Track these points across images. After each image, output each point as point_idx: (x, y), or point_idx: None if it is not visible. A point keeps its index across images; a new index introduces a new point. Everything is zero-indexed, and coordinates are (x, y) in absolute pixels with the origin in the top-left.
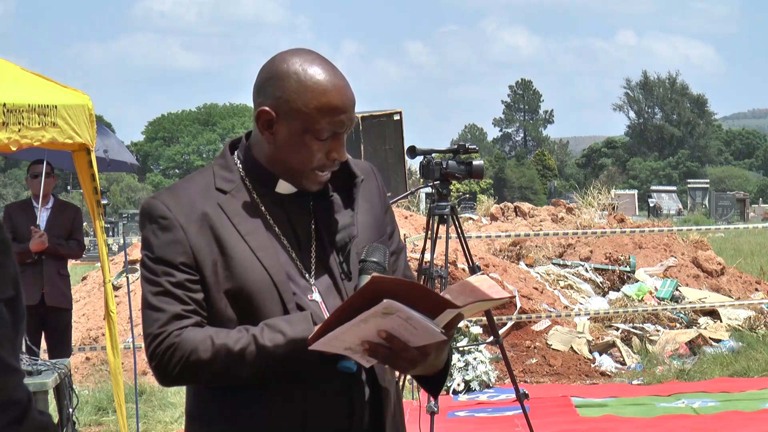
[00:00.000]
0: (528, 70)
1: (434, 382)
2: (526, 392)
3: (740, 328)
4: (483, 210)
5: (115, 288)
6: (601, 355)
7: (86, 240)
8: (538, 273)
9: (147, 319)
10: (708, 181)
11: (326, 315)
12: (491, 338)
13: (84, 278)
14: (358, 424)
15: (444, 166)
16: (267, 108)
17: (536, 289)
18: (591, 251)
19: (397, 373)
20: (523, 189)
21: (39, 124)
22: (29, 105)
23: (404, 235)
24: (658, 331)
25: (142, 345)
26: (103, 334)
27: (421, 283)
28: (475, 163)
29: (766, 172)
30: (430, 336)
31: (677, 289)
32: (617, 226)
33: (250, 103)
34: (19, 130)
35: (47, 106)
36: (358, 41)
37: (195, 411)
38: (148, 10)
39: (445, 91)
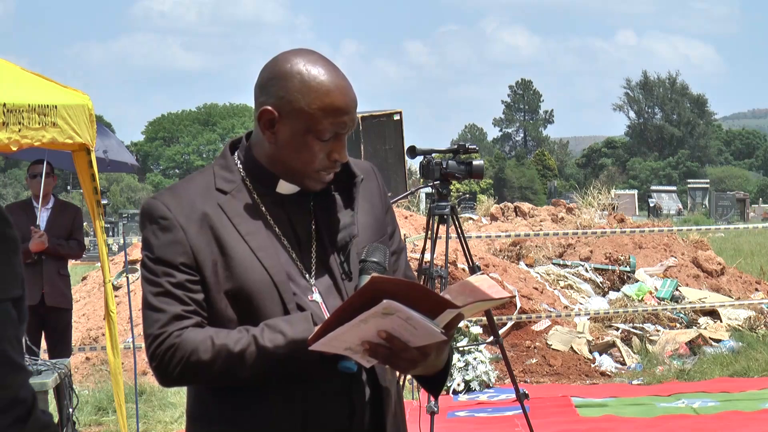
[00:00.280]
0: (528, 70)
1: (435, 382)
2: (526, 392)
3: (740, 328)
4: (483, 210)
5: (115, 288)
6: (601, 355)
7: (86, 240)
8: (538, 273)
9: (147, 320)
10: (708, 181)
11: (326, 315)
12: (491, 338)
13: (84, 278)
14: (358, 424)
15: (444, 166)
16: (269, 107)
17: (536, 289)
18: (591, 251)
19: (397, 373)
20: (523, 189)
21: (39, 124)
22: (29, 105)
23: (404, 235)
24: (658, 331)
25: (142, 345)
26: (103, 334)
27: (421, 283)
28: (475, 163)
29: (766, 172)
30: (430, 336)
31: (677, 289)
32: (617, 226)
33: (250, 103)
34: (19, 130)
35: (47, 106)
36: (358, 41)
37: (195, 411)
38: (147, 10)
39: (445, 91)
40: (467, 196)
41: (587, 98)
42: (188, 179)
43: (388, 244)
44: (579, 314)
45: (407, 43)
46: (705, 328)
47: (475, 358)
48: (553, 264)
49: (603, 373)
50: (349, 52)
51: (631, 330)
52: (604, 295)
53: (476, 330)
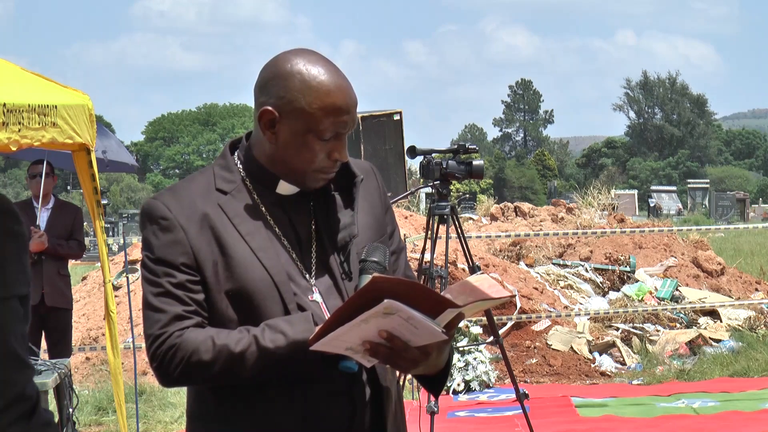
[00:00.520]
0: (528, 70)
1: (435, 382)
2: (526, 392)
3: (740, 328)
4: (483, 210)
5: (115, 288)
6: (601, 355)
7: (86, 240)
8: (538, 273)
9: (148, 320)
10: (708, 181)
11: (327, 315)
12: (491, 338)
13: (84, 278)
14: (359, 424)
15: (444, 166)
16: (270, 108)
17: (536, 289)
18: (591, 251)
19: (397, 373)
20: (523, 189)
21: (39, 124)
22: (29, 105)
23: (404, 235)
24: (658, 331)
25: (142, 345)
26: (103, 334)
27: (421, 283)
28: (475, 163)
29: (766, 172)
30: (431, 336)
31: (677, 289)
32: (617, 226)
33: (250, 103)
34: (19, 130)
35: (47, 106)
36: (358, 41)
37: (196, 411)
38: (147, 10)
39: (445, 91)
40: (467, 196)
41: (587, 98)
42: (188, 179)
43: (387, 244)
44: (579, 314)
45: (407, 43)
46: (705, 328)
47: (475, 358)
48: (553, 264)
49: (603, 373)
50: (348, 52)
51: (631, 330)
52: (604, 295)
53: (476, 330)
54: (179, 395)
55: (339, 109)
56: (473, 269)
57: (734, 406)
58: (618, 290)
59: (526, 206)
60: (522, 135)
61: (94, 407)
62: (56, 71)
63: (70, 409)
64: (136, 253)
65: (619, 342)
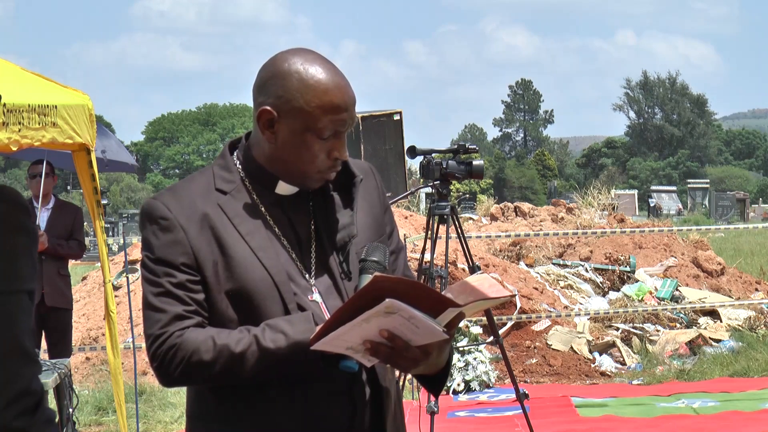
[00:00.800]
0: (528, 70)
1: (435, 382)
2: (526, 392)
3: (740, 328)
4: (483, 210)
5: (115, 288)
6: (601, 355)
7: (86, 240)
8: (538, 273)
9: (148, 320)
10: (708, 181)
11: (326, 315)
12: (491, 338)
13: (84, 278)
14: (359, 424)
15: (444, 166)
16: (268, 107)
17: (536, 289)
18: (591, 251)
19: (397, 373)
20: (523, 189)
21: (39, 124)
22: (29, 105)
23: (404, 235)
24: (658, 331)
25: (142, 345)
26: (103, 334)
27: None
28: (475, 163)
29: (766, 172)
30: (432, 335)
31: (677, 289)
32: (617, 226)
33: (250, 103)
34: (19, 130)
35: (47, 106)
36: (358, 41)
37: (196, 411)
38: (147, 10)
39: (445, 91)
40: (467, 196)
41: (587, 98)
42: (188, 179)
43: (386, 244)
44: (579, 314)
45: (407, 43)
46: (705, 328)
47: (475, 358)
48: (553, 264)
49: (603, 373)
50: (348, 52)
51: (631, 330)
52: (604, 295)
53: (476, 330)
54: (179, 395)
55: (337, 107)
56: (473, 269)
57: (734, 406)
58: (618, 290)
59: (526, 206)
60: (522, 135)
61: (94, 407)
62: (56, 71)
63: (70, 409)
64: (136, 253)
65: (619, 342)
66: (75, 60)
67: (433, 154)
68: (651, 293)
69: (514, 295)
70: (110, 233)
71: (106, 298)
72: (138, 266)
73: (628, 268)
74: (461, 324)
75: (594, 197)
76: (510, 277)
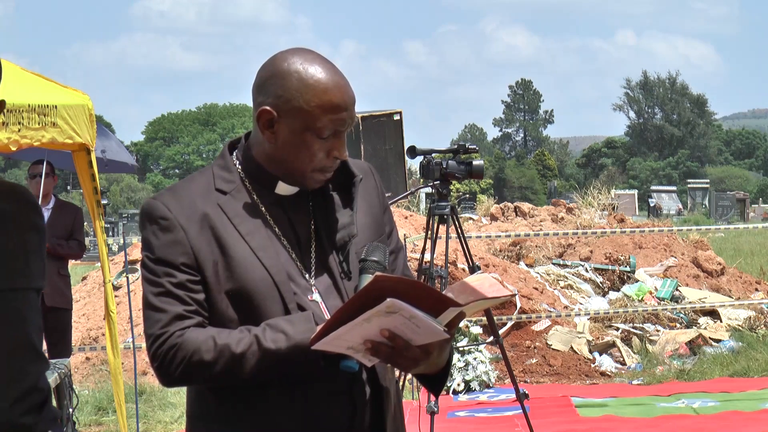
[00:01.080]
0: (528, 70)
1: (436, 381)
2: (526, 392)
3: (740, 328)
4: (483, 210)
5: (115, 288)
6: (601, 355)
7: (86, 240)
8: (538, 273)
9: (148, 320)
10: (708, 181)
11: (326, 315)
12: (491, 338)
13: (84, 278)
14: (359, 424)
15: (444, 166)
16: (268, 107)
17: (536, 289)
18: (591, 251)
19: (397, 373)
20: (523, 189)
21: (39, 124)
22: (29, 105)
23: (404, 235)
24: (658, 331)
25: (142, 345)
26: (103, 334)
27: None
28: (475, 163)
29: (766, 172)
30: (432, 334)
31: (677, 289)
32: (617, 226)
33: (250, 103)
34: (19, 130)
35: (47, 106)
36: (358, 41)
37: (196, 411)
38: (147, 10)
39: (445, 91)
40: (467, 196)
41: (587, 98)
42: (188, 180)
43: (386, 244)
44: (579, 314)
45: (407, 43)
46: (705, 328)
47: (475, 358)
48: (553, 264)
49: (603, 373)
50: (348, 52)
51: (631, 330)
52: (604, 295)
53: (476, 330)
54: (179, 395)
55: (337, 106)
56: (473, 269)
57: (734, 406)
58: (618, 290)
59: (526, 206)
60: (522, 135)
61: (94, 407)
62: (56, 71)
63: (70, 409)
64: (136, 253)
65: (619, 342)
66: (75, 60)
67: (433, 154)
68: (651, 293)
69: (514, 295)
70: (110, 233)
71: (106, 298)
72: (138, 266)
73: (628, 268)
74: (461, 324)
75: (594, 197)
76: (510, 277)
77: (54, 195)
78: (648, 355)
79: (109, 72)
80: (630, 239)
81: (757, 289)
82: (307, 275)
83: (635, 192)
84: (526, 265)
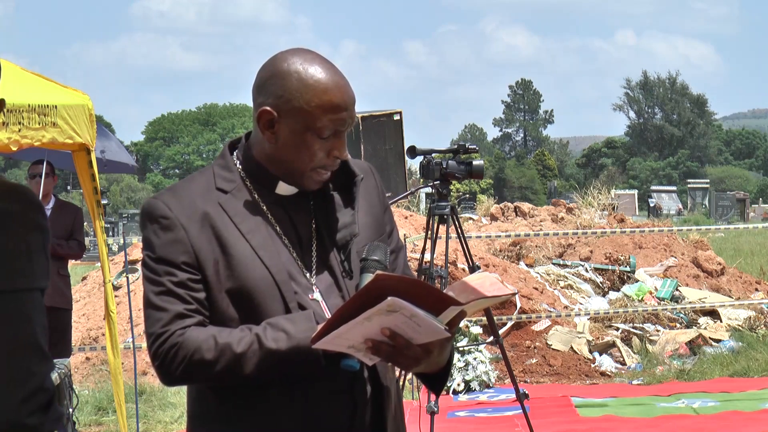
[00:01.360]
0: (528, 70)
1: (437, 380)
2: (526, 392)
3: (740, 328)
4: (483, 210)
5: (115, 288)
6: (601, 355)
7: (86, 240)
8: (538, 273)
9: (149, 319)
10: (708, 181)
11: (327, 314)
12: (491, 338)
13: (84, 278)
14: (359, 423)
15: (444, 166)
16: (268, 108)
17: (536, 289)
18: (591, 251)
19: (397, 372)
20: (523, 189)
21: (39, 124)
22: (29, 105)
23: (404, 235)
24: (658, 331)
25: (142, 345)
26: (103, 334)
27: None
28: (475, 163)
29: (766, 172)
30: (434, 333)
31: (677, 289)
32: (617, 226)
33: (250, 103)
34: (19, 130)
35: (47, 106)
36: (358, 41)
37: (197, 410)
38: (146, 10)
39: (445, 91)
40: (467, 196)
41: (587, 98)
42: (188, 179)
43: (386, 243)
44: (579, 314)
45: (407, 43)
46: (705, 328)
47: (475, 358)
48: (553, 264)
49: (603, 373)
50: (348, 52)
51: (631, 330)
52: (604, 295)
53: (476, 330)
54: (179, 395)
55: (337, 106)
56: (473, 269)
57: (734, 406)
58: (618, 290)
59: (526, 206)
60: (522, 135)
61: (94, 407)
62: (56, 71)
63: (70, 409)
64: (136, 253)
65: (619, 342)
66: (75, 60)
67: (433, 154)
68: (651, 293)
69: (515, 294)
70: (110, 233)
71: (106, 298)
72: (138, 266)
73: (628, 268)
74: (461, 324)
75: (594, 197)
76: (510, 277)
77: (54, 195)
78: (648, 355)
79: (109, 72)
80: (630, 239)
81: (757, 289)
82: (308, 274)
83: (635, 192)
84: (526, 265)
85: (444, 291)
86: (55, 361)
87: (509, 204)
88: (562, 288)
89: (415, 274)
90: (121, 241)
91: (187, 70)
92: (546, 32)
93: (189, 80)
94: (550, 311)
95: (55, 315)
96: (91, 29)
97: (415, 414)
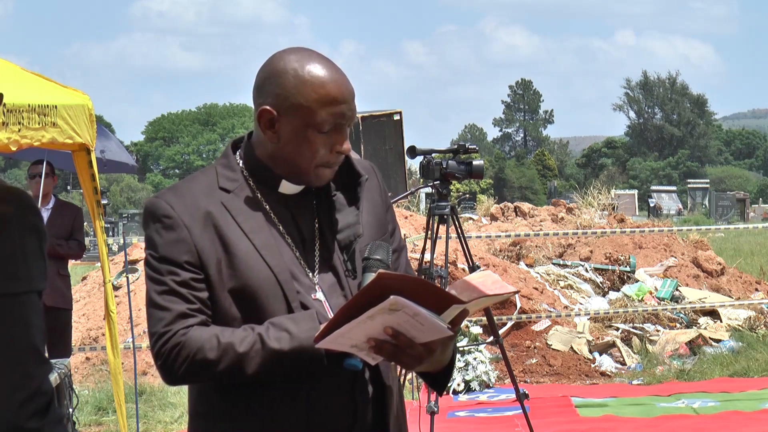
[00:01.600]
0: (528, 70)
1: (439, 379)
2: (526, 392)
3: (740, 328)
4: (483, 210)
5: (115, 288)
6: (601, 355)
7: (86, 240)
8: (538, 273)
9: (152, 318)
10: (708, 181)
11: (330, 314)
12: (491, 338)
13: (84, 278)
14: (361, 422)
15: (444, 166)
16: (268, 107)
17: (536, 289)
18: (591, 251)
19: (398, 372)
20: (523, 189)
21: (39, 124)
22: (29, 105)
23: (404, 235)
24: (658, 331)
25: (142, 345)
26: (103, 334)
27: None
28: (475, 163)
29: (766, 172)
30: (436, 332)
31: (677, 289)
32: (617, 226)
33: (250, 103)
34: (19, 130)
35: (47, 106)
36: (358, 41)
37: (199, 410)
38: (146, 10)
39: (445, 91)
40: (467, 196)
41: (587, 98)
42: (191, 178)
43: (389, 242)
44: (579, 314)
45: (406, 43)
46: (705, 328)
47: (475, 358)
48: (553, 264)
49: (603, 373)
50: (348, 52)
51: (631, 330)
52: (604, 295)
53: (476, 330)
54: (179, 395)
55: (335, 99)
56: (473, 269)
57: (734, 406)
58: (618, 290)
59: (526, 206)
60: (522, 135)
61: (94, 407)
62: (56, 71)
63: (70, 409)
64: (135, 253)
65: (619, 342)
66: (75, 60)
67: (433, 154)
68: (651, 293)
69: (517, 292)
70: (110, 233)
71: (106, 298)
72: (138, 266)
73: (628, 268)
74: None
75: (594, 197)
76: (510, 277)
77: (54, 195)
78: (648, 355)
79: (109, 72)
80: (630, 239)
81: (757, 289)
82: (310, 274)
83: (635, 192)
84: (526, 265)
85: (446, 289)
86: (55, 361)
87: (509, 204)
88: (562, 288)
89: (415, 274)
90: (121, 241)
91: (186, 70)
92: (546, 32)
93: (189, 80)
94: (550, 311)
95: (55, 315)
96: (90, 29)
97: (415, 414)
